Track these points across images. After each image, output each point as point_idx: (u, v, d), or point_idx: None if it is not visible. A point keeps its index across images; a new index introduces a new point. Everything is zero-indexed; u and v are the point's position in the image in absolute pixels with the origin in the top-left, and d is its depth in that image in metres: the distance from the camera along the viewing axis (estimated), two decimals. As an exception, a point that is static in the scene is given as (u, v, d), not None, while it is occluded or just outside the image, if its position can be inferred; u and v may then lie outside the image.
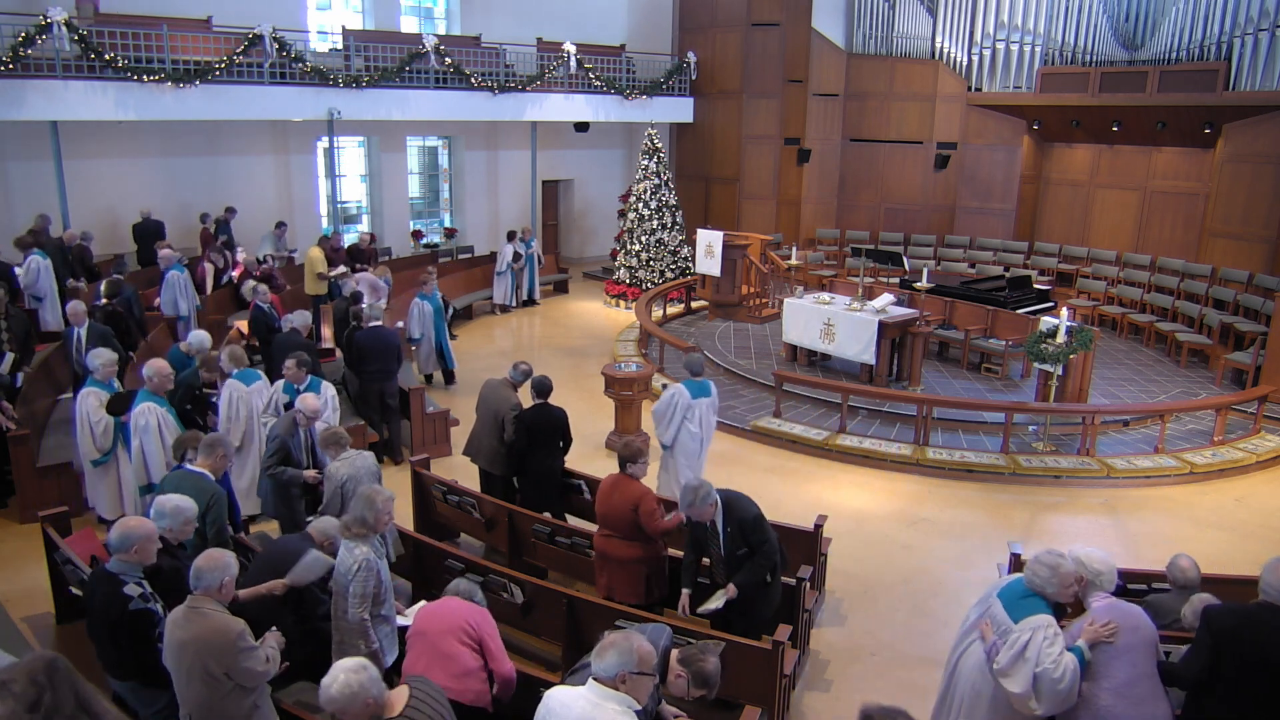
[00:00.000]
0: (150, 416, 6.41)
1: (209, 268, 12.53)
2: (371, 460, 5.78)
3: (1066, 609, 4.18)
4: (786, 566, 5.48)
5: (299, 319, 8.82)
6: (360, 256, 14.10)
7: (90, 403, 6.79)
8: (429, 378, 11.38)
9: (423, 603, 5.28)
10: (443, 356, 11.30)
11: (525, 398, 7.11)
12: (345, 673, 3.03)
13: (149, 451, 6.43)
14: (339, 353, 10.06)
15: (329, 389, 7.43)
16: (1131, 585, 5.34)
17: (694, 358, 7.66)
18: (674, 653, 3.60)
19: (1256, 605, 3.86)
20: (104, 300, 9.58)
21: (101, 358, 6.86)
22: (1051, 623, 3.95)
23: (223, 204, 14.40)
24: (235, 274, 12.73)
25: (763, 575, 5.10)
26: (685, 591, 5.33)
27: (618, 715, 3.10)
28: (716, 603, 5.12)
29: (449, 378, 11.42)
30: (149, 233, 13.01)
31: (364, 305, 9.76)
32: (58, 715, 2.42)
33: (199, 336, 7.79)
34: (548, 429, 6.84)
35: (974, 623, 4.25)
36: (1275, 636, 3.73)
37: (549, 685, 4.06)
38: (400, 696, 3.20)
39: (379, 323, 9.06)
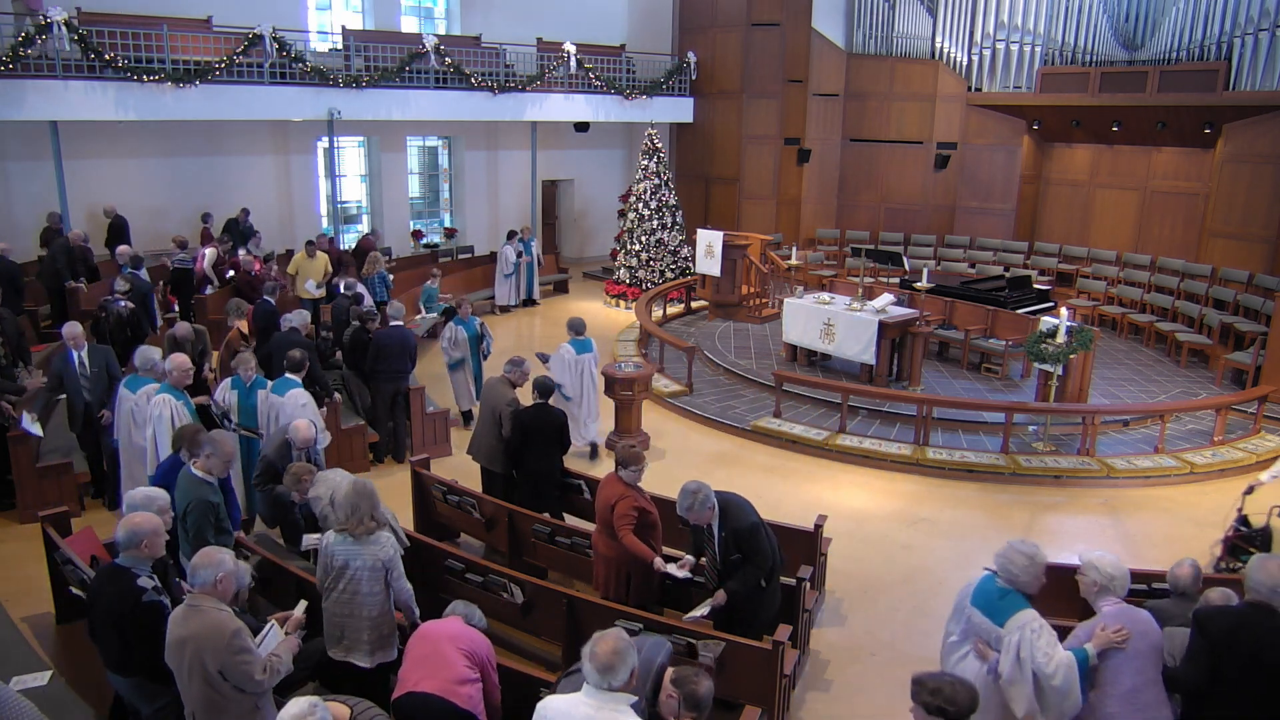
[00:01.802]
0: (165, 407, 6.55)
1: (208, 253, 12.47)
2: (341, 472, 5.73)
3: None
4: (783, 566, 5.46)
5: (298, 318, 8.83)
6: (363, 256, 14.09)
7: (176, 403, 6.72)
8: (467, 415, 9.97)
9: None
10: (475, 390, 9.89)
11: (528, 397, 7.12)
12: (308, 717, 3.00)
13: (161, 442, 6.53)
14: (338, 353, 10.03)
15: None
16: (1132, 585, 5.33)
17: (576, 320, 9.18)
18: (669, 671, 3.56)
19: (1248, 605, 3.85)
20: (121, 295, 9.67)
21: (175, 362, 6.79)
22: (1035, 616, 3.96)
23: (223, 204, 14.41)
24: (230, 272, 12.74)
25: (754, 584, 5.08)
26: (700, 558, 5.32)
27: (621, 716, 3.10)
28: (702, 610, 5.11)
29: (467, 418, 10.00)
30: (119, 230, 12.93)
31: (366, 305, 9.80)
32: None
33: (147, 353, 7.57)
34: (547, 429, 6.84)
35: (957, 640, 4.23)
36: (1269, 636, 3.73)
37: (548, 685, 4.07)
38: (339, 710, 3.23)
39: (399, 322, 9.05)
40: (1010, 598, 4.02)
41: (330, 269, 12.40)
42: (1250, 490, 6.59)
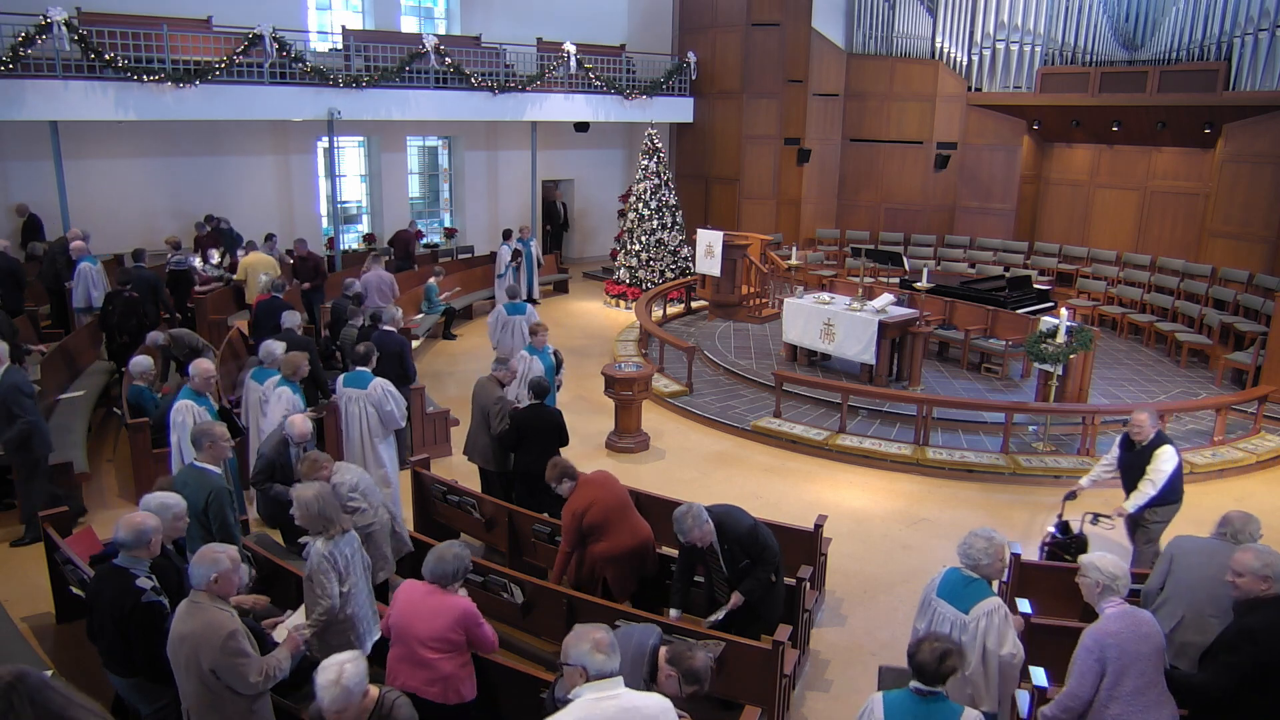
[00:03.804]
0: (187, 414, 6.52)
1: (203, 264, 12.50)
2: (355, 468, 5.79)
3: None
4: (782, 558, 5.47)
5: (290, 319, 8.89)
6: (402, 247, 15.03)
7: (198, 409, 6.77)
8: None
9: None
10: None
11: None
12: (350, 663, 3.26)
13: (185, 448, 6.47)
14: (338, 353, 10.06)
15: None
16: (1133, 585, 5.33)
17: (512, 286, 10.89)
18: (662, 651, 3.61)
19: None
20: (123, 287, 9.93)
21: (198, 368, 6.77)
22: (1000, 603, 4.06)
23: (223, 204, 14.43)
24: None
25: (766, 580, 5.10)
26: (674, 613, 5.26)
27: (633, 694, 3.16)
28: (719, 614, 5.11)
29: None
30: (34, 228, 12.74)
31: (373, 307, 10.13)
32: None
33: (269, 347, 7.78)
34: (543, 429, 6.84)
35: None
36: None
37: (548, 685, 4.07)
38: (371, 689, 3.44)
39: (390, 328, 9.05)
40: (975, 585, 4.11)
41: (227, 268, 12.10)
42: (1072, 496, 6.56)
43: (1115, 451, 6.48)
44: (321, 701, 3.21)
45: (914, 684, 3.31)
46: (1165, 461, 6.04)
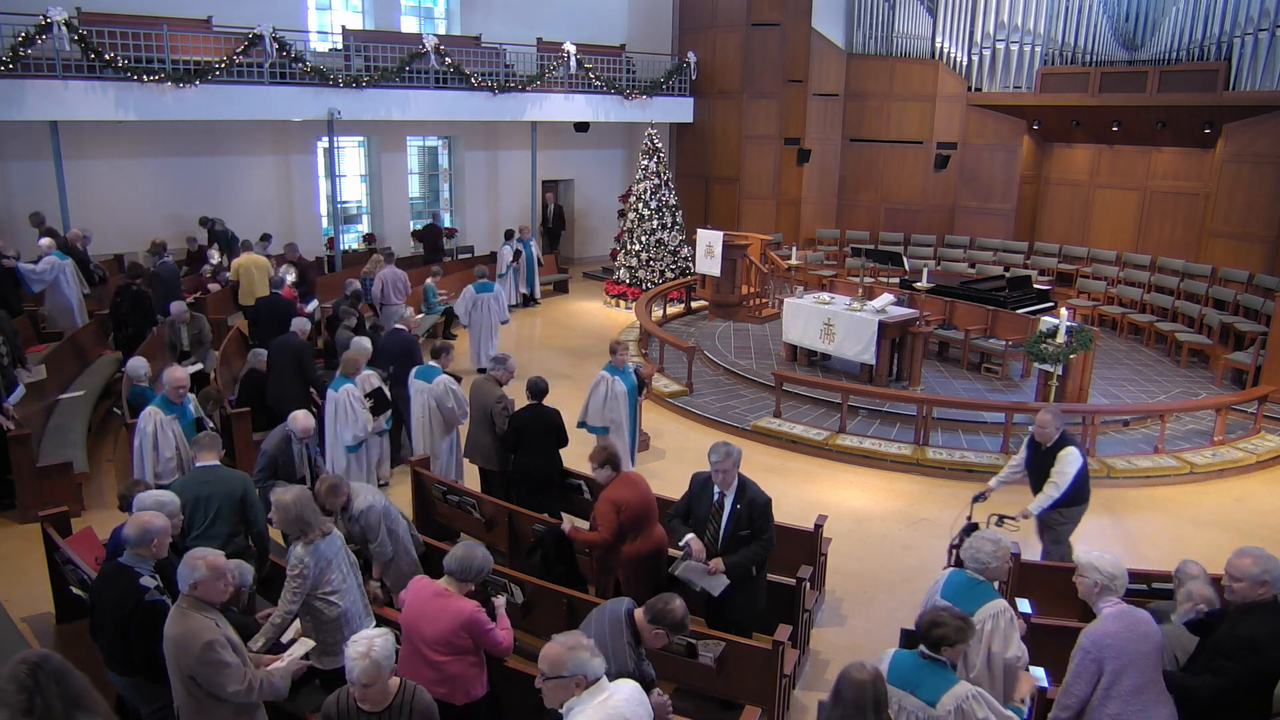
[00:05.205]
0: (150, 421, 6.44)
1: (215, 288, 12.51)
2: (371, 488, 5.81)
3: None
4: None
5: (299, 323, 8.88)
6: (434, 243, 15.75)
7: (165, 418, 6.74)
8: None
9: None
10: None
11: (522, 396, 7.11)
12: (380, 638, 3.38)
13: (143, 454, 6.46)
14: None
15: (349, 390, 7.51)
16: (1131, 585, 5.33)
17: (480, 269, 12.10)
18: (638, 614, 3.75)
19: (1267, 608, 3.80)
20: (132, 280, 10.24)
21: (171, 376, 6.71)
22: (1005, 606, 4.09)
23: (222, 205, 14.39)
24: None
25: (755, 563, 5.11)
26: (691, 535, 5.18)
27: (620, 685, 3.25)
28: (708, 580, 5.04)
29: None
30: None
31: (389, 303, 10.99)
32: (50, 718, 2.50)
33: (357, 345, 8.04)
34: (542, 430, 6.83)
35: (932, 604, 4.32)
36: None
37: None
38: (393, 680, 3.57)
39: (401, 327, 9.05)
40: (980, 588, 4.14)
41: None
42: (981, 497, 6.51)
43: (1023, 452, 6.47)
44: (352, 673, 3.36)
45: (921, 647, 3.57)
46: (1069, 463, 6.02)
